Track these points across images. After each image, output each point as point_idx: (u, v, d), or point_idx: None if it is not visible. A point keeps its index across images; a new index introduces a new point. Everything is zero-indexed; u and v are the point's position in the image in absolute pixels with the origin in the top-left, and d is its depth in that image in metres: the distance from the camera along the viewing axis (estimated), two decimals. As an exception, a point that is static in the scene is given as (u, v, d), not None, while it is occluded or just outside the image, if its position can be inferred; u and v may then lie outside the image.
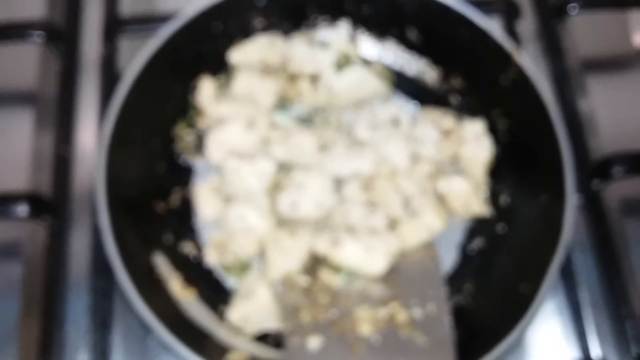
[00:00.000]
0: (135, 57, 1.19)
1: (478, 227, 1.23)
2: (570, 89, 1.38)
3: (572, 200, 1.11)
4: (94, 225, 1.20)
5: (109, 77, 1.34)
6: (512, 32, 1.38)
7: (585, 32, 1.44)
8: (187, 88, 1.28)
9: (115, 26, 1.39)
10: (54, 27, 1.41)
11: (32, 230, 1.23)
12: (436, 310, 1.10)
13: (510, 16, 1.42)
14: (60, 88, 1.37)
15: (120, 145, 1.15)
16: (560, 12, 1.44)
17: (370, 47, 1.35)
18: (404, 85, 1.34)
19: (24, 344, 1.14)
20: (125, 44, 1.38)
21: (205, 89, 1.28)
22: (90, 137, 1.33)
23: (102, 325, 1.16)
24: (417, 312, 1.09)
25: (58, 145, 1.31)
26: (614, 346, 1.17)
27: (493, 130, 1.26)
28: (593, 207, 1.27)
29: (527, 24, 1.45)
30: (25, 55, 1.38)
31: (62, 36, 1.41)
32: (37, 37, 1.38)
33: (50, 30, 1.39)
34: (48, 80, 1.38)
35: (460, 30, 1.26)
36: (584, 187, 1.26)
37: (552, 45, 1.43)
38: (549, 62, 1.41)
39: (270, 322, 1.12)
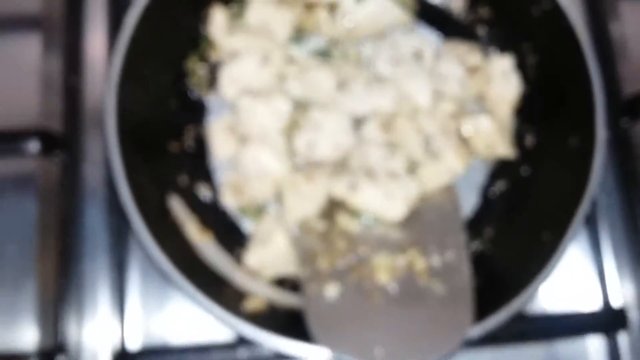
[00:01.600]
0: None
1: (501, 169, 1.20)
2: (602, 13, 1.30)
3: (602, 144, 1.06)
4: (107, 161, 1.14)
5: (117, 4, 1.28)
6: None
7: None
8: (198, 18, 1.23)
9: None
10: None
11: (44, 166, 1.21)
12: (455, 257, 1.08)
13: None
14: (67, 12, 1.31)
15: (130, 80, 1.09)
16: None
17: None
18: (428, 15, 1.27)
19: (42, 281, 1.15)
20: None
21: (217, 19, 1.21)
22: (99, 66, 1.28)
23: (119, 264, 1.16)
24: (436, 260, 1.08)
25: (67, 76, 1.27)
26: (637, 294, 1.16)
27: (521, 66, 1.20)
28: (620, 146, 1.22)
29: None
30: None
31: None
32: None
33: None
34: (54, 4, 1.31)
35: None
36: (611, 124, 1.18)
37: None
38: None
39: (288, 266, 1.11)
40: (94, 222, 1.20)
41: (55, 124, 1.23)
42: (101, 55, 1.28)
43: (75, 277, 1.17)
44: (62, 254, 1.17)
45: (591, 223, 1.17)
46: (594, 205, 1.16)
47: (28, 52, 1.27)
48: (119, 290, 1.15)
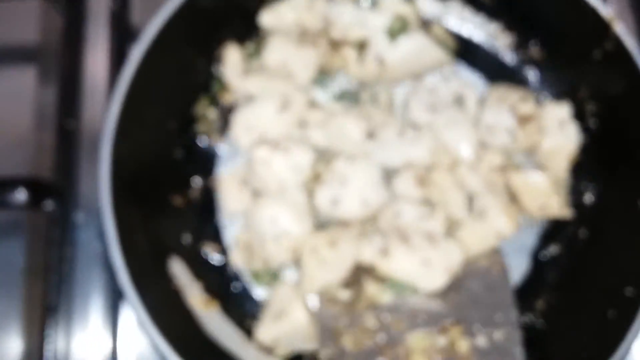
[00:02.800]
0: (150, 19, 1.04)
1: (555, 230, 1.10)
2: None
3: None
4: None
5: (120, 35, 1.20)
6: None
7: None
8: (210, 58, 1.14)
9: (125, -23, 1.25)
10: (55, -23, 1.26)
11: (32, 217, 1.12)
12: (505, 338, 0.96)
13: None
14: (65, 47, 1.23)
15: (131, 127, 1.01)
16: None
17: (430, 7, 1.19)
18: (471, 55, 1.18)
19: (28, 339, 1.05)
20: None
21: (232, 59, 1.12)
22: (99, 108, 1.18)
23: (112, 326, 1.06)
24: (482, 341, 0.96)
25: (62, 117, 1.18)
26: None
27: (579, 114, 1.10)
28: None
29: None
30: (26, 10, 1.23)
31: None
32: (37, -11, 1.23)
33: (51, -20, 1.24)
34: (51, 38, 1.23)
35: (541, -13, 1.09)
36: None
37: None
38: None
39: (306, 343, 1.00)
40: (86, 279, 1.10)
41: (47, 169, 1.14)
42: (100, 93, 1.20)
43: (64, 339, 1.07)
44: (49, 313, 1.07)
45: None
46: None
47: (23, 85, 1.20)
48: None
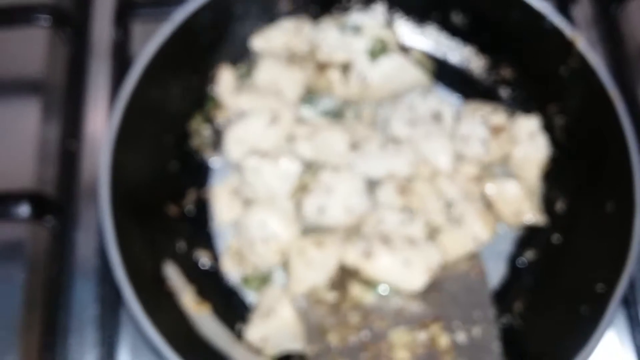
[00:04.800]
0: (148, 42, 1.09)
1: (530, 237, 1.13)
2: (630, 79, 1.25)
3: (641, 208, 0.97)
4: (101, 229, 1.07)
5: (121, 65, 1.25)
6: (566, 17, 1.24)
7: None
8: (204, 78, 1.19)
9: (127, 9, 1.30)
10: (62, 10, 1.31)
11: (34, 231, 1.14)
12: (483, 334, 0.99)
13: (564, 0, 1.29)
14: (69, 77, 1.29)
15: (129, 141, 1.05)
16: (619, -5, 1.30)
17: (409, 32, 1.25)
18: (447, 75, 1.23)
19: (26, 353, 1.06)
20: (138, 29, 1.29)
21: (225, 79, 1.17)
22: (100, 131, 1.23)
23: (108, 339, 1.07)
24: (461, 336, 0.99)
25: (65, 139, 1.23)
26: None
27: (549, 127, 1.15)
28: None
29: (582, 9, 1.32)
30: (31, 40, 1.30)
31: (70, 20, 1.32)
32: (44, 21, 1.29)
33: (58, 13, 1.30)
34: (55, 68, 1.29)
35: (510, 13, 1.14)
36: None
37: (610, 32, 1.30)
38: (606, 51, 1.29)
39: (294, 342, 1.02)
40: (83, 293, 1.12)
41: (50, 189, 1.17)
42: (101, 121, 1.24)
43: (61, 352, 1.08)
44: (48, 326, 1.09)
45: (629, 301, 1.06)
46: (631, 284, 1.05)
47: (28, 115, 1.24)
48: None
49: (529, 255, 1.11)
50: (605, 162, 1.06)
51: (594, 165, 1.08)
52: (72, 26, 1.31)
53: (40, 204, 1.14)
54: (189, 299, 1.03)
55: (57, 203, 1.16)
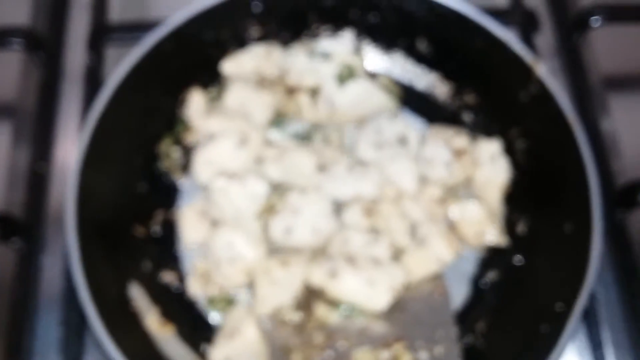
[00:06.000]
0: (118, 66, 1.10)
1: (492, 258, 1.13)
2: (591, 107, 1.28)
3: (599, 230, 1.00)
4: (67, 253, 1.08)
5: (93, 89, 1.23)
6: (529, 46, 1.27)
7: (608, 46, 1.33)
8: (174, 101, 1.20)
9: (100, 34, 1.31)
10: (35, 34, 1.32)
11: (1, 252, 1.13)
12: (445, 353, 1.00)
13: (527, 28, 1.32)
14: (41, 100, 1.29)
15: (97, 163, 1.05)
16: (581, 25, 1.34)
17: (376, 59, 1.26)
18: (412, 101, 1.25)
19: None
20: (112, 53, 1.30)
21: (195, 102, 1.18)
22: (70, 154, 1.23)
23: None
24: (424, 356, 1.00)
25: (34, 162, 1.23)
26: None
27: (510, 151, 1.17)
28: (616, 237, 1.15)
29: (545, 37, 1.35)
30: (3, 64, 1.30)
31: (43, 44, 1.32)
32: (17, 45, 1.29)
33: (31, 37, 1.30)
34: (28, 92, 1.29)
35: (474, 41, 1.16)
36: (606, 215, 1.10)
37: (572, 61, 1.33)
38: (569, 79, 1.32)
39: None
40: (49, 315, 1.11)
41: (18, 211, 1.16)
42: (72, 145, 1.24)
43: None
44: (12, 349, 1.08)
45: (590, 318, 1.08)
46: (592, 298, 1.07)
47: None
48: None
49: (491, 276, 1.12)
50: (564, 185, 1.08)
51: (554, 188, 1.10)
52: (45, 50, 1.31)
53: (8, 225, 1.13)
54: (153, 320, 1.03)
55: (25, 225, 1.15)
